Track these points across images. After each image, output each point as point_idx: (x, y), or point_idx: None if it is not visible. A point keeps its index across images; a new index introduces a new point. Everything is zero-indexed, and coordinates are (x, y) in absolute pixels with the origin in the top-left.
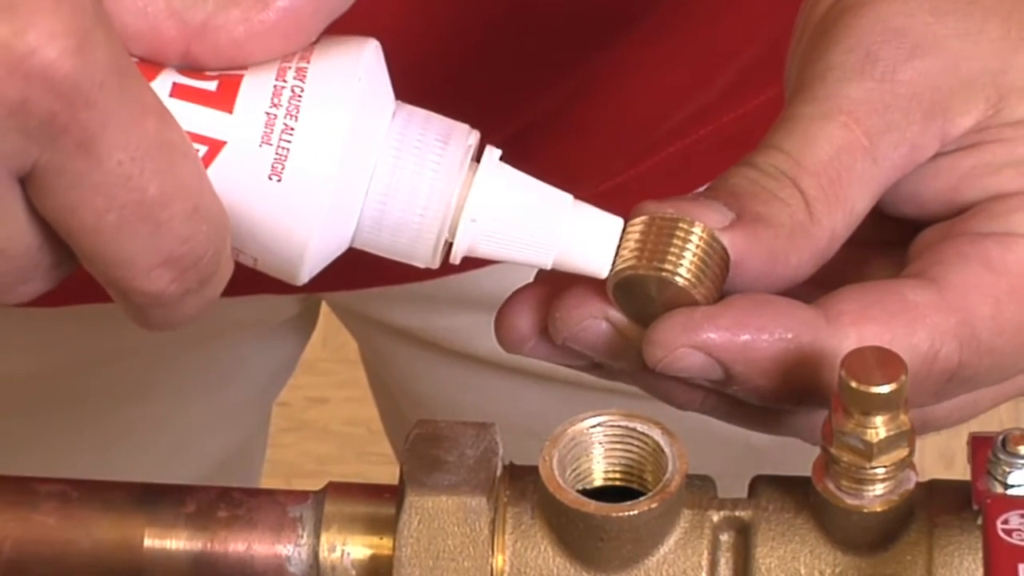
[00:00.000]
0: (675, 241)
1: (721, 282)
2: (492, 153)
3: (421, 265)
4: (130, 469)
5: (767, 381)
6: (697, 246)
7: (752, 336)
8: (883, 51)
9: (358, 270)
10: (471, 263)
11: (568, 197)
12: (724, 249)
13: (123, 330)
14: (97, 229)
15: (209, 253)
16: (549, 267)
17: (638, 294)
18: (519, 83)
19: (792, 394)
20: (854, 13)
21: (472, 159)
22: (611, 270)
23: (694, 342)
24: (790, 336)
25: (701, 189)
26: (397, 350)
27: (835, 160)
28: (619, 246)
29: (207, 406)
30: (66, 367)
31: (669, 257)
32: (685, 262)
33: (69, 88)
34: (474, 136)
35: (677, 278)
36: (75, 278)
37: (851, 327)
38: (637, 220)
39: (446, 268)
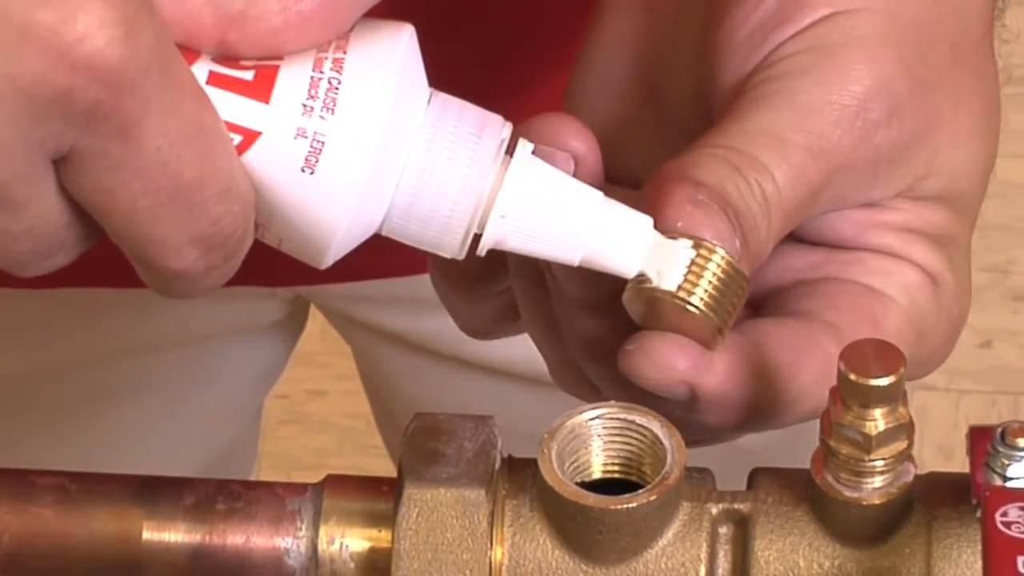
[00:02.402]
0: (694, 267)
1: (736, 311)
2: (525, 147)
3: (447, 255)
4: (118, 469)
5: (725, 422)
6: (715, 275)
7: (735, 391)
8: (874, 108)
9: (339, 266)
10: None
11: (599, 195)
12: (745, 280)
13: (112, 332)
14: (132, 211)
15: (237, 232)
16: (576, 264)
17: (648, 301)
18: None
19: (737, 430)
20: (864, 47)
21: (505, 152)
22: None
23: (692, 381)
24: (758, 392)
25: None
26: (385, 353)
27: (803, 201)
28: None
29: (195, 407)
30: (54, 368)
31: (686, 283)
32: (700, 291)
33: (115, 77)
34: (507, 129)
35: (690, 307)
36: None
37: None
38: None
39: (427, 265)
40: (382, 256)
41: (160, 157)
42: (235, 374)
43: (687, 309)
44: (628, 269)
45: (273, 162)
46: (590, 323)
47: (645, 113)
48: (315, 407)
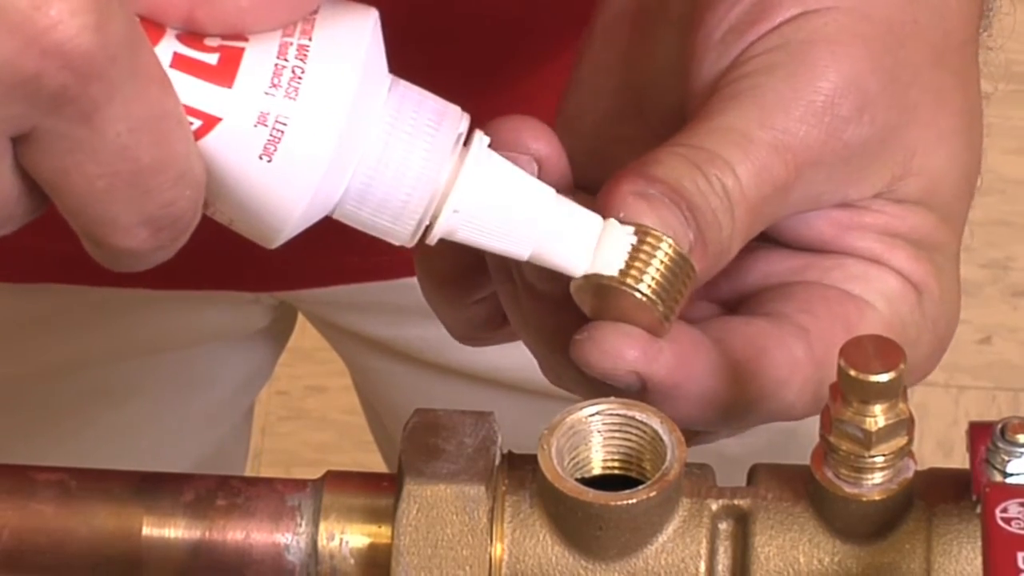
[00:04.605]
0: (641, 255)
1: (683, 298)
2: (481, 141)
3: (396, 243)
4: None
5: (684, 415)
6: (662, 262)
7: (686, 383)
8: (843, 104)
9: (319, 270)
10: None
11: (551, 191)
12: (692, 268)
13: (96, 336)
14: (87, 193)
15: (187, 215)
16: (526, 259)
17: (594, 289)
18: None
19: (704, 425)
20: (833, 44)
21: (463, 144)
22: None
23: (641, 370)
24: (714, 387)
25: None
26: (372, 362)
27: (769, 197)
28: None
29: (182, 411)
30: (39, 372)
31: (632, 271)
32: (647, 278)
33: (84, 64)
34: (465, 121)
35: (637, 293)
36: (50, 256)
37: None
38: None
39: (407, 269)
40: (362, 259)
41: (120, 142)
42: (222, 379)
43: (633, 296)
44: (575, 266)
45: (231, 148)
46: (553, 318)
47: (633, 129)
48: (315, 403)
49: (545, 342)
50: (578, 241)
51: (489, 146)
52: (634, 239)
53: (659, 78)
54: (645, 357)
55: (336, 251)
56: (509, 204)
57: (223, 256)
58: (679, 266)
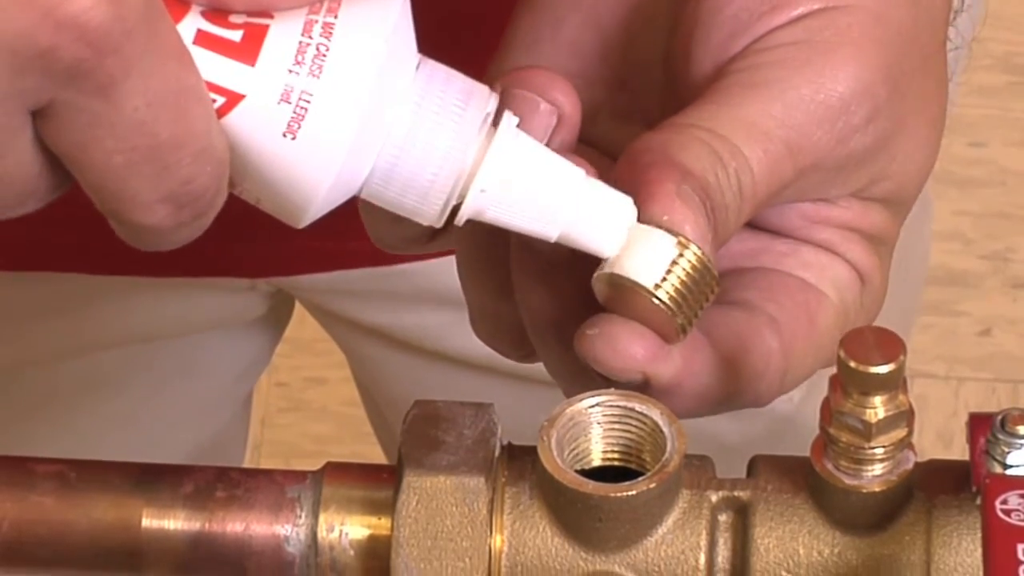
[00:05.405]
0: (674, 265)
1: (701, 308)
2: (510, 120)
3: (424, 223)
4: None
5: (675, 408)
6: (688, 273)
7: (687, 381)
8: (856, 111)
9: (313, 255)
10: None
11: (581, 172)
12: (716, 281)
13: (92, 323)
14: (105, 167)
15: (209, 192)
16: (554, 240)
17: (618, 287)
18: None
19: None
20: (857, 47)
21: (491, 123)
22: (600, 268)
23: (649, 371)
24: (710, 383)
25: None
26: (368, 349)
27: (773, 195)
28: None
29: (178, 399)
30: (37, 360)
31: (664, 281)
32: (672, 288)
33: (99, 37)
34: (494, 100)
35: (663, 304)
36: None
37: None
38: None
39: (407, 256)
40: (359, 244)
41: (137, 116)
42: (219, 367)
43: (660, 308)
44: (605, 249)
45: (255, 125)
46: (546, 299)
47: (615, 82)
48: (315, 395)
49: (530, 323)
50: (608, 224)
51: (518, 126)
52: (676, 252)
53: (648, 28)
54: (655, 359)
55: (333, 237)
56: (538, 184)
57: (219, 241)
58: (703, 276)
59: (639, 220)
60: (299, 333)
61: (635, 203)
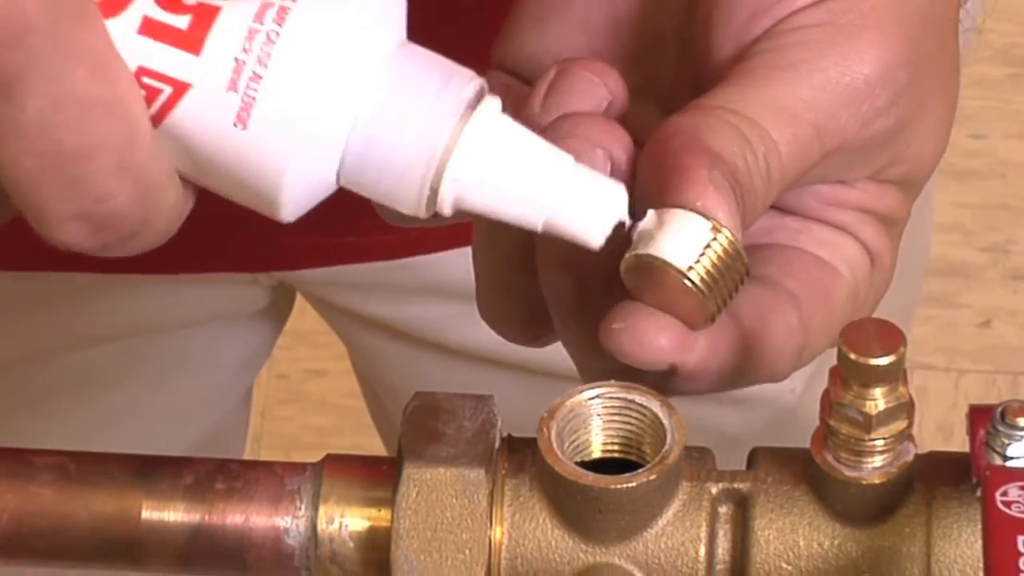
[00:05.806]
0: (707, 250)
1: (731, 296)
2: (490, 104)
3: (407, 212)
4: None
5: (698, 390)
6: (720, 258)
7: (713, 365)
8: (880, 94)
9: (316, 250)
10: (433, 245)
11: (568, 159)
12: (746, 267)
13: (94, 316)
14: (14, 172)
15: (134, 214)
16: (539, 229)
17: (651, 272)
18: None
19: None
20: (881, 30)
21: (472, 108)
22: (631, 250)
23: (677, 361)
24: (732, 362)
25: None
26: (370, 341)
27: (798, 178)
28: (636, 225)
29: (179, 392)
30: (36, 354)
31: (697, 265)
32: (705, 273)
33: None
34: (474, 85)
35: (695, 288)
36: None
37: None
38: (666, 211)
39: (407, 249)
40: (361, 238)
41: (42, 119)
42: (220, 360)
43: (691, 291)
44: (591, 238)
45: (204, 116)
46: (570, 282)
47: (628, 59)
48: (315, 387)
49: (553, 307)
50: (595, 211)
51: (513, 117)
52: (710, 236)
53: (654, 8)
54: (682, 348)
55: (335, 231)
56: (518, 170)
57: (220, 237)
58: (735, 262)
59: (670, 204)
60: (299, 325)
61: (667, 187)
